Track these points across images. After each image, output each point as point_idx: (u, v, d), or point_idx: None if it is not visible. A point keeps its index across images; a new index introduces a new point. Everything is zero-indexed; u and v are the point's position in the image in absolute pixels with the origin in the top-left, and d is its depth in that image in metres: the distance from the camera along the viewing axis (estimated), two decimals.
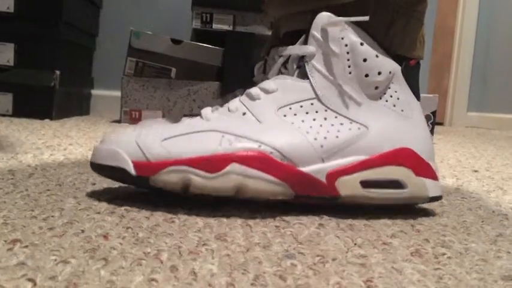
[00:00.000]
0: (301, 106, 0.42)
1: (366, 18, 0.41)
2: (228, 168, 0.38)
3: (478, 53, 2.53)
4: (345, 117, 0.42)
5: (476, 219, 0.45)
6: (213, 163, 0.38)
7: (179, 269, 0.27)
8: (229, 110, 0.42)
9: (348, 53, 0.42)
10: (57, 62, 1.34)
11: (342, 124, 0.42)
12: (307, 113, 0.41)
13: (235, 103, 0.43)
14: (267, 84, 0.43)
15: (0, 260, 0.27)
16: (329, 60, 0.42)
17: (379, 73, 0.42)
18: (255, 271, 0.28)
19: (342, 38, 0.42)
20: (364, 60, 0.42)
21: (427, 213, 0.46)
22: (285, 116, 0.41)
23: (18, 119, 1.25)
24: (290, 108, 0.42)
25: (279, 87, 0.42)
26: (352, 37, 0.42)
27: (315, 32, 0.42)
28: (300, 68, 0.43)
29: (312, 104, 0.42)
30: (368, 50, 0.42)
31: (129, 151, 0.40)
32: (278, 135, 0.40)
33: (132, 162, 0.39)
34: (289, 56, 0.44)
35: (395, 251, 0.33)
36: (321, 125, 0.41)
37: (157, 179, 0.39)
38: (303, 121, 0.41)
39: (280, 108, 0.42)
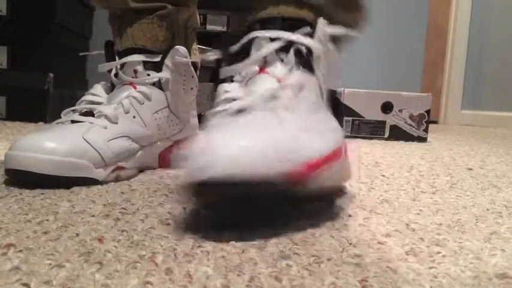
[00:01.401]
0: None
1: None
2: None
3: (472, 51, 2.54)
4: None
5: (471, 217, 0.45)
6: None
7: (174, 272, 0.27)
8: None
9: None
10: (50, 65, 1.33)
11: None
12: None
13: None
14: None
15: None
16: (323, 59, 0.46)
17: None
18: (250, 272, 0.28)
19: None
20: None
21: (421, 211, 0.46)
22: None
23: (12, 122, 1.25)
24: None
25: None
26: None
27: (320, 33, 0.45)
28: (301, 60, 0.45)
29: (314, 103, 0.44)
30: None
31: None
32: None
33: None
34: (288, 44, 0.45)
35: (390, 250, 0.33)
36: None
37: None
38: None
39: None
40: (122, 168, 0.54)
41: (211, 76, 1.41)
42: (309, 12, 0.49)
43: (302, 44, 0.45)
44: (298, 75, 0.44)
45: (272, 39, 0.45)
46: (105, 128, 0.53)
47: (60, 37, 1.39)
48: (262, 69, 0.45)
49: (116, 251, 0.30)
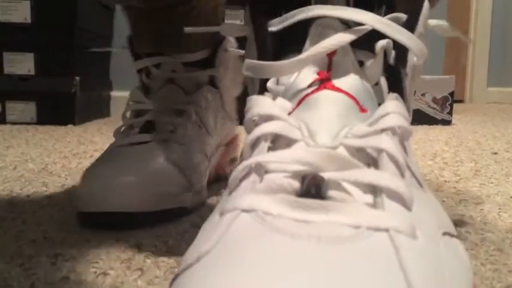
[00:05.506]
0: None
1: None
2: None
3: (496, 26, 2.47)
4: None
5: (494, 206, 0.45)
6: None
7: None
8: None
9: None
10: (75, 68, 1.37)
11: None
12: None
13: None
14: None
15: (46, 275, 0.30)
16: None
17: None
18: None
19: None
20: None
21: (444, 202, 0.47)
22: None
23: (43, 126, 1.29)
24: None
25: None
26: None
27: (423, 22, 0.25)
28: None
29: None
30: None
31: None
32: None
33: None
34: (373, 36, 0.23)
35: None
36: None
37: None
38: None
39: None
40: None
41: None
42: None
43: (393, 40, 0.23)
44: (394, 106, 0.22)
45: (344, 24, 0.23)
46: (183, 144, 0.45)
47: (83, 40, 1.42)
48: (320, 75, 0.22)
49: (154, 257, 0.33)
